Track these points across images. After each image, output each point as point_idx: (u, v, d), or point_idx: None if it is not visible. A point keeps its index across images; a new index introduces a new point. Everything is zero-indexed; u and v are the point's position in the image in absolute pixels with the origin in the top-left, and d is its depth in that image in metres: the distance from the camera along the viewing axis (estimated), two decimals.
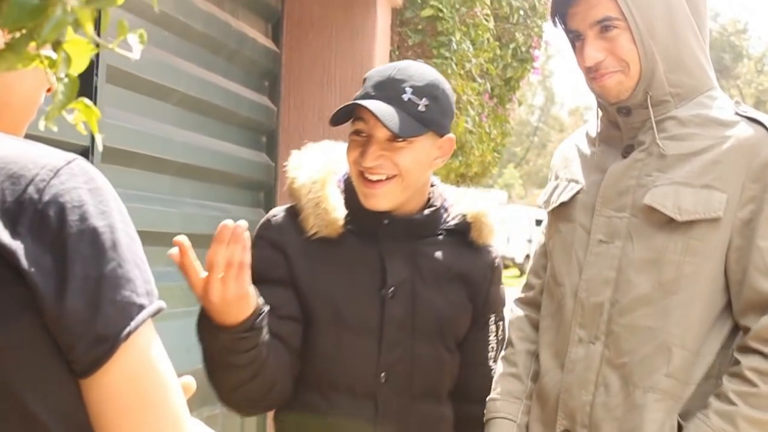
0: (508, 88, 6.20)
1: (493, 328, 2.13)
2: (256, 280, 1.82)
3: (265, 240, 2.03)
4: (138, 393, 1.00)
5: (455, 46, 4.51)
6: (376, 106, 1.89)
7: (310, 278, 1.98)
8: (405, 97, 1.91)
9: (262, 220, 2.09)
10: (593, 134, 2.06)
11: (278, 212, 2.07)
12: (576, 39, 1.96)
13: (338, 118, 1.96)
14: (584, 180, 2.01)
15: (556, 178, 2.11)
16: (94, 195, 1.01)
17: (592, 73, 1.93)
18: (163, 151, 3.27)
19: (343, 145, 2.08)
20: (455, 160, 4.98)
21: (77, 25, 0.88)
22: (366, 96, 1.93)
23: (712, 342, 1.88)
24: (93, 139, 2.77)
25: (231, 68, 3.87)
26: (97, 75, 2.76)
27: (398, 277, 1.99)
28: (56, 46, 0.88)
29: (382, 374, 1.98)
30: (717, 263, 1.87)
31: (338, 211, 1.98)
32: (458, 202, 2.12)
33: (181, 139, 3.42)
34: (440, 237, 2.06)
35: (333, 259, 2.00)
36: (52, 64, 0.90)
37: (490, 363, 2.13)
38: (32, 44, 0.88)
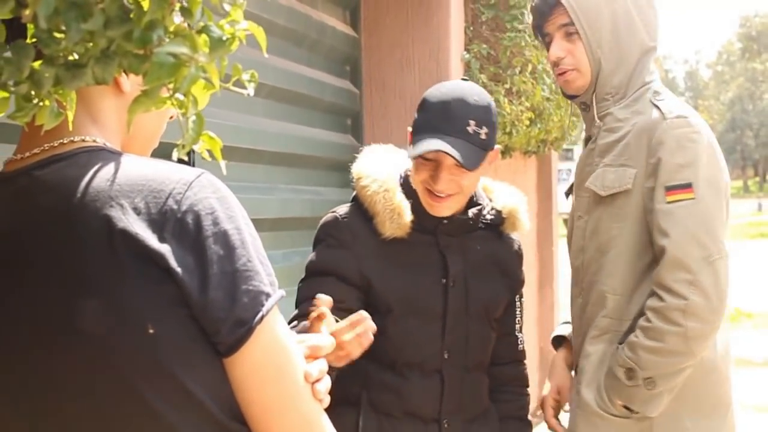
0: None
1: (518, 304, 2.50)
2: (323, 272, 2.18)
3: (336, 239, 2.29)
4: (274, 365, 1.20)
5: (528, 19, 4.61)
6: (450, 147, 2.14)
7: (383, 276, 2.26)
8: (470, 129, 2.17)
9: (330, 218, 2.34)
10: None
11: (346, 214, 2.32)
12: (550, 40, 2.38)
13: (418, 153, 2.20)
14: None
15: None
16: (222, 203, 1.21)
17: (557, 69, 2.36)
18: (258, 142, 3.47)
19: (394, 149, 2.40)
20: (534, 127, 5.09)
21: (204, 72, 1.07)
22: (436, 131, 2.17)
23: (644, 288, 2.31)
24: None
25: (313, 57, 4.05)
26: None
27: (456, 269, 2.31)
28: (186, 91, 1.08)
29: (445, 352, 2.30)
30: (635, 225, 2.32)
31: (408, 216, 2.27)
32: (495, 198, 2.43)
33: (273, 129, 3.62)
34: (480, 230, 2.36)
35: (402, 257, 2.29)
36: (180, 104, 1.10)
37: (517, 333, 2.51)
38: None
